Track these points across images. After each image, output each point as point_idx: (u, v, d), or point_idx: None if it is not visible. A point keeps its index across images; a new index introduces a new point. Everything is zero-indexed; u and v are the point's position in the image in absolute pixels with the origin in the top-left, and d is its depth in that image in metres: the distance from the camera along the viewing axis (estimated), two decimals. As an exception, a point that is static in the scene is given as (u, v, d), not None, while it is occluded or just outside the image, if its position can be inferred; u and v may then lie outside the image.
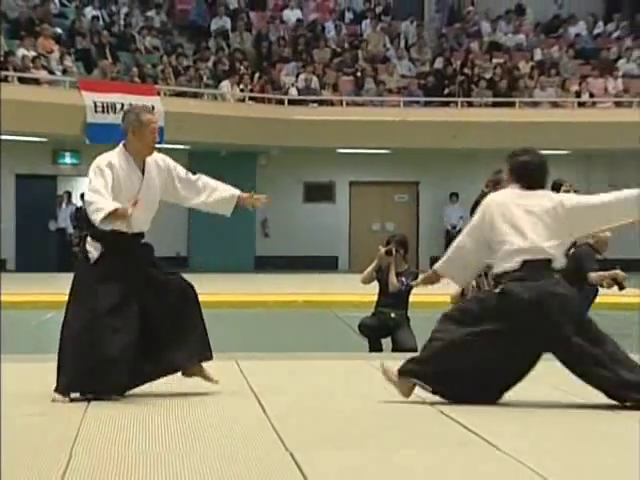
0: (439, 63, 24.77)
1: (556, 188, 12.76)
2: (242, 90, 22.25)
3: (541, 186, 6.22)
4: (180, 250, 22.91)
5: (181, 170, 6.33)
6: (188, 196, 6.34)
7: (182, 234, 22.55)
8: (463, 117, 22.51)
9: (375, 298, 9.40)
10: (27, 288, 15.70)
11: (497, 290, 5.83)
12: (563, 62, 24.88)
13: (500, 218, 5.91)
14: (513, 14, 26.70)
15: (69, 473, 4.19)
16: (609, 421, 5.52)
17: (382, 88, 23.50)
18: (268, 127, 21.69)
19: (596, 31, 26.32)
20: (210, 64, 23.06)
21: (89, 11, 23.28)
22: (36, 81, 19.92)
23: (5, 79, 19.54)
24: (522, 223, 5.88)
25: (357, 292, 11.02)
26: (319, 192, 23.90)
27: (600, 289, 11.61)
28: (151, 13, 24.45)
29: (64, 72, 20.55)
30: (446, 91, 23.52)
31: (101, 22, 23.10)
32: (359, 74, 23.88)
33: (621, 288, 11.08)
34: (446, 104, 23.27)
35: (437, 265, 6.28)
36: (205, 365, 6.26)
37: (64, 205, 22.38)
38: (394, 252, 9.22)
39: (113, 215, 5.84)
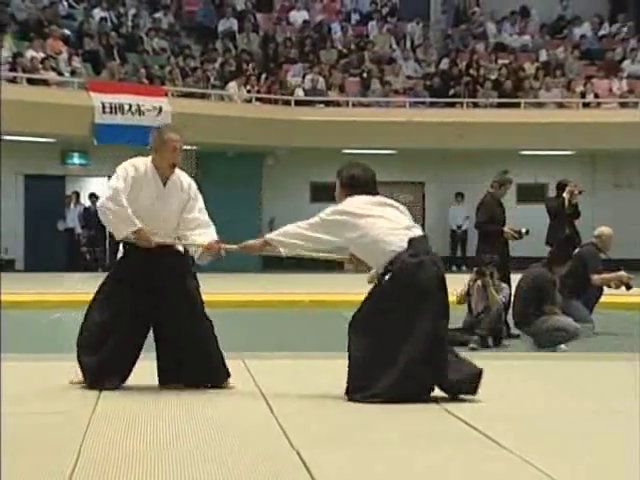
0: (445, 64, 24.82)
1: (561, 188, 12.89)
2: (249, 91, 22.32)
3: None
4: (188, 250, 23.01)
5: (196, 205, 6.43)
6: (185, 221, 6.47)
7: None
8: (468, 118, 22.56)
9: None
10: (35, 287, 15.77)
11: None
12: (568, 63, 24.91)
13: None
14: (518, 15, 26.74)
15: (77, 471, 4.23)
16: (617, 421, 5.52)
17: (388, 89, 23.56)
18: (275, 128, 21.77)
19: (601, 32, 26.34)
20: (217, 65, 23.14)
21: (97, 13, 23.35)
22: (45, 82, 20.01)
23: (14, 80, 19.65)
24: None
25: (363, 292, 11.06)
26: (326, 192, 23.82)
27: (605, 289, 11.71)
28: (159, 15, 24.54)
29: (72, 73, 20.64)
30: (452, 92, 23.57)
31: (109, 23, 23.18)
32: (365, 75, 23.94)
33: (628, 288, 11.17)
34: (452, 105, 23.32)
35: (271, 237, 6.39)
36: None
37: (72, 205, 22.48)
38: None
39: (137, 234, 6.20)
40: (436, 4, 27.65)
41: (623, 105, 23.46)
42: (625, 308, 13.67)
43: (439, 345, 5.82)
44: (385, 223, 6.05)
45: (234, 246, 6.49)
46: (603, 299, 11.82)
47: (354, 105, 23.11)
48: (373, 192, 6.21)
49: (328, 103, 23.11)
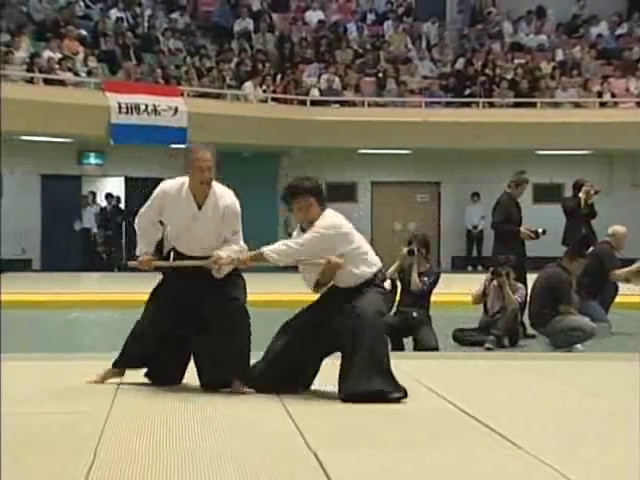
0: (461, 64, 24.78)
1: (577, 188, 12.86)
2: (264, 91, 22.35)
3: None
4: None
5: (233, 223, 6.41)
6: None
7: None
8: (484, 117, 22.52)
9: (397, 298, 9.49)
10: (52, 287, 15.82)
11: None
12: (585, 62, 24.84)
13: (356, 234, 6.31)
14: (534, 15, 26.68)
15: (94, 471, 4.25)
16: (633, 422, 5.49)
17: (404, 89, 23.54)
18: (290, 128, 21.79)
19: (618, 31, 26.25)
20: (233, 65, 23.17)
21: (113, 13, 23.43)
22: (61, 82, 20.08)
23: (31, 80, 19.73)
24: None
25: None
26: (341, 192, 23.97)
27: (620, 288, 11.68)
28: (175, 15, 24.59)
29: (89, 73, 20.71)
30: (467, 92, 23.54)
31: (125, 24, 23.25)
32: (381, 75, 23.93)
33: None
34: (467, 105, 23.29)
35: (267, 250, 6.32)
36: None
37: (89, 205, 22.55)
38: (416, 252, 9.30)
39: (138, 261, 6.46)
40: (452, 4, 27.62)
41: (640, 105, 23.39)
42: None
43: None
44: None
45: (227, 259, 6.37)
46: (618, 299, 11.80)
47: (370, 105, 23.11)
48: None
49: (344, 103, 23.11)
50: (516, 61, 24.69)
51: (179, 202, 6.39)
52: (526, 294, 10.40)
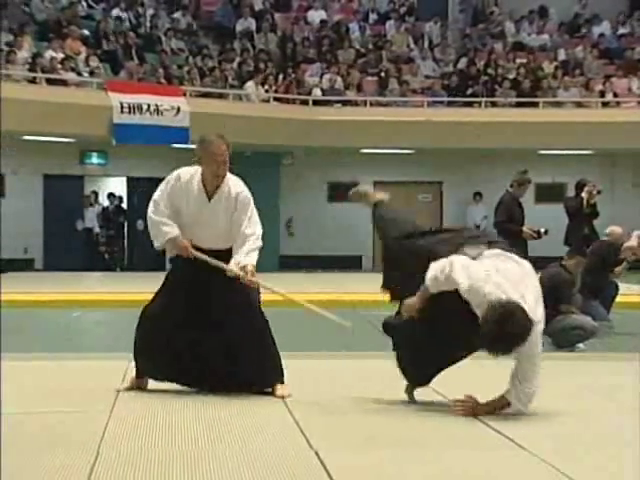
0: (463, 63, 24.78)
1: (580, 188, 12.89)
2: (267, 91, 22.35)
3: None
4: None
5: (246, 210, 6.27)
6: (233, 234, 6.32)
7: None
8: (487, 117, 22.52)
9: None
10: (54, 287, 15.84)
11: None
12: (587, 62, 24.83)
13: None
14: (537, 14, 26.68)
15: (97, 469, 4.27)
16: (636, 421, 5.50)
17: (406, 88, 23.55)
18: (292, 127, 21.80)
19: (620, 31, 26.25)
20: (235, 65, 23.18)
21: (116, 13, 23.46)
22: (64, 82, 20.09)
23: (33, 80, 19.74)
24: None
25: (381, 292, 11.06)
26: (343, 192, 23.90)
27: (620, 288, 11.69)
28: (177, 15, 24.61)
29: (91, 73, 20.72)
30: (470, 91, 23.54)
31: (127, 24, 23.28)
32: (383, 74, 23.93)
33: None
34: (470, 104, 23.29)
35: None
36: None
37: (91, 205, 22.58)
38: (418, 252, 9.28)
39: (171, 242, 6.16)
40: (454, 3, 27.62)
41: (642, 104, 23.39)
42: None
43: None
44: None
45: (263, 283, 6.33)
46: (620, 299, 11.82)
47: (372, 105, 23.11)
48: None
49: (346, 103, 23.11)
50: (518, 61, 24.69)
51: (190, 191, 6.22)
52: (528, 294, 10.39)
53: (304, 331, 10.99)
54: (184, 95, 20.89)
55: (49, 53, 20.35)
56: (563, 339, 9.69)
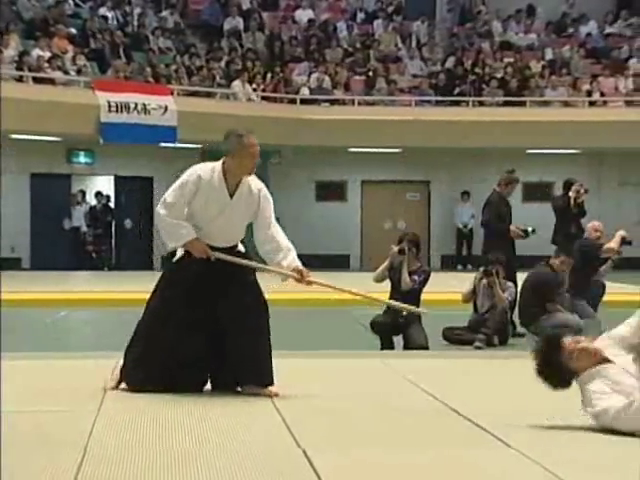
0: (450, 62, 24.83)
1: (567, 187, 12.90)
2: (255, 89, 22.35)
3: None
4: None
5: (268, 209, 6.16)
6: (257, 235, 6.20)
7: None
8: (474, 116, 22.58)
9: (387, 296, 9.50)
10: (41, 286, 15.80)
11: None
12: (574, 61, 24.92)
13: None
14: (524, 14, 26.75)
15: (84, 467, 4.25)
16: None
17: (393, 87, 23.59)
18: (280, 126, 21.79)
19: (607, 30, 26.35)
20: (223, 64, 23.18)
21: (103, 11, 23.43)
22: (51, 81, 20.07)
23: (20, 79, 19.70)
24: None
25: (369, 291, 11.08)
26: (331, 191, 24.02)
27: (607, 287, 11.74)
28: (164, 13, 24.59)
29: (78, 72, 20.69)
30: (457, 90, 23.59)
31: (115, 22, 23.25)
32: (371, 74, 23.97)
33: (629, 243, 11.31)
34: (457, 103, 23.34)
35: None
36: None
37: (78, 204, 22.54)
38: (406, 250, 9.31)
39: (189, 244, 5.97)
40: (442, 3, 27.67)
41: (629, 103, 23.48)
42: (629, 306, 13.66)
43: None
44: None
45: (322, 283, 6.28)
46: (606, 297, 11.87)
47: (359, 104, 23.14)
48: None
49: (333, 102, 23.14)
50: (505, 60, 24.76)
51: (211, 190, 5.99)
52: (516, 293, 10.44)
53: (291, 330, 11.00)
54: (172, 94, 20.89)
55: (36, 52, 20.31)
56: (550, 338, 9.72)
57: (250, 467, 4.31)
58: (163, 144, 21.05)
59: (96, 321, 13.24)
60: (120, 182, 22.52)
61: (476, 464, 4.46)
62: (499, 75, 24.02)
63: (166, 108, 20.29)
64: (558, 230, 12.60)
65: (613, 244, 11.39)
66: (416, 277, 9.32)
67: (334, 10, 26.54)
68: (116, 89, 20.16)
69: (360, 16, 26.60)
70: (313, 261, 23.09)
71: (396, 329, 9.36)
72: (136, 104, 19.98)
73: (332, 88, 23.45)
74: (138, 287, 16.34)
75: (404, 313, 9.31)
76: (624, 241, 11.44)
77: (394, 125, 22.20)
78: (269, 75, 23.11)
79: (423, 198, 24.40)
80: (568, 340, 5.24)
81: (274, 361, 6.23)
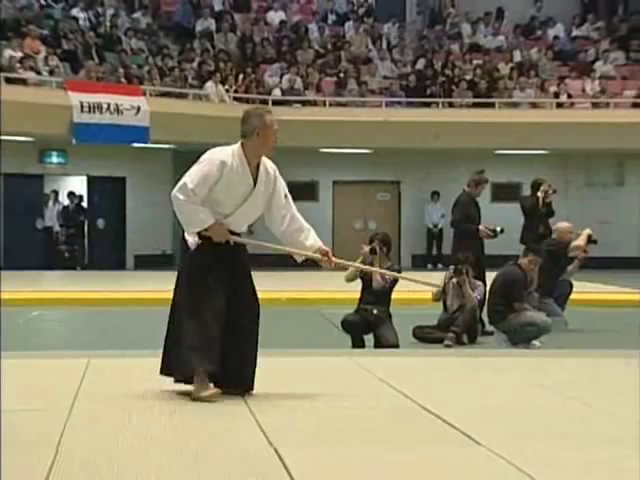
0: (420, 64, 25.00)
1: (535, 187, 13.09)
2: (227, 90, 22.43)
3: None
4: (165, 248, 23.14)
5: (282, 188, 6.08)
6: (274, 216, 6.13)
7: (167, 232, 22.74)
8: (444, 117, 22.74)
9: (358, 295, 9.63)
10: (13, 286, 15.79)
11: None
12: (542, 63, 25.15)
13: None
14: (492, 16, 26.97)
15: (56, 467, 4.27)
16: (600, 419, 5.58)
17: (364, 89, 23.72)
18: (252, 127, 21.85)
19: (574, 33, 26.63)
20: (195, 65, 23.22)
21: (75, 12, 23.42)
22: (23, 81, 20.04)
23: (-8, 79, 19.68)
24: None
25: (340, 290, 11.17)
26: (302, 191, 24.11)
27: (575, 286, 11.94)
28: (137, 14, 24.60)
29: (50, 73, 20.68)
30: (427, 92, 23.76)
31: (87, 23, 23.24)
32: (342, 75, 24.09)
33: (595, 242, 11.50)
34: (427, 104, 23.50)
35: None
36: None
37: (51, 204, 22.53)
38: (377, 250, 9.43)
39: (210, 229, 5.82)
40: (412, 5, 27.85)
41: (595, 105, 23.73)
42: (596, 305, 13.90)
43: None
44: None
45: (347, 262, 6.11)
46: (574, 296, 12.07)
47: (331, 105, 23.26)
48: None
49: (305, 103, 23.24)
50: (475, 62, 24.94)
51: (234, 176, 5.82)
52: (485, 292, 10.57)
53: (262, 329, 11.11)
54: (144, 95, 20.92)
55: (8, 52, 20.27)
56: (517, 336, 9.91)
57: (222, 466, 4.30)
58: (136, 144, 21.09)
59: (69, 320, 13.25)
60: (93, 182, 22.54)
61: (446, 462, 4.49)
62: (468, 77, 24.21)
63: (139, 109, 20.34)
64: (526, 230, 12.78)
65: (580, 241, 11.60)
66: (387, 276, 9.45)
67: (305, 12, 26.66)
68: (89, 90, 20.17)
69: (331, 18, 26.72)
70: (285, 260, 23.17)
71: (367, 328, 9.46)
72: (109, 105, 20.02)
73: (304, 89, 23.56)
74: (110, 287, 16.39)
75: (375, 312, 9.43)
76: (590, 240, 11.64)
77: (365, 126, 22.33)
78: (241, 76, 23.18)
79: (393, 198, 24.56)
80: None
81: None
